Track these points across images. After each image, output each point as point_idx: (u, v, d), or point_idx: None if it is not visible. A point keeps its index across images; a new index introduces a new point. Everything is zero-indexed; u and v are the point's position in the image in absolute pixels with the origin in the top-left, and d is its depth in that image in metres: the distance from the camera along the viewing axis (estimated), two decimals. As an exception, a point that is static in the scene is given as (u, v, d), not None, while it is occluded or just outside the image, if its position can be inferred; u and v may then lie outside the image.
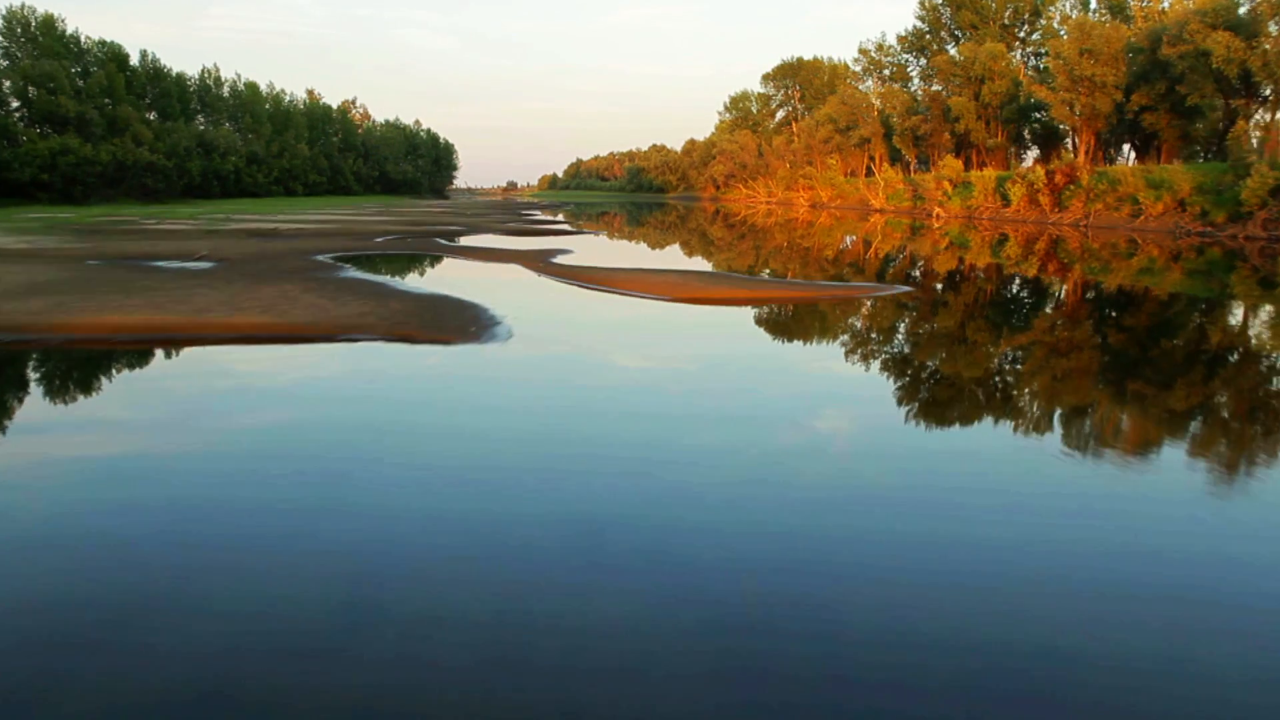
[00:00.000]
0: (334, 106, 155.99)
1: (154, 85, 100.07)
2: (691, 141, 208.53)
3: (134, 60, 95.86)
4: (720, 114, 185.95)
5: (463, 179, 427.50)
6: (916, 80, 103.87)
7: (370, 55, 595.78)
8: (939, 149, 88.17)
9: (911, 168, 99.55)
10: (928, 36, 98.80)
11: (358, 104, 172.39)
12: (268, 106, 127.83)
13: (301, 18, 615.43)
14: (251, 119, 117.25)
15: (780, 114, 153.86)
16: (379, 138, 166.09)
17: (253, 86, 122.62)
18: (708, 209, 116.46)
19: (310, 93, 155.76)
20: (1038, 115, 77.53)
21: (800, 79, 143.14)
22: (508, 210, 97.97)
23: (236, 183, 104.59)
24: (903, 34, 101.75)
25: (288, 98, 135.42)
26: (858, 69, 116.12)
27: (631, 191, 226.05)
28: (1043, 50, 79.13)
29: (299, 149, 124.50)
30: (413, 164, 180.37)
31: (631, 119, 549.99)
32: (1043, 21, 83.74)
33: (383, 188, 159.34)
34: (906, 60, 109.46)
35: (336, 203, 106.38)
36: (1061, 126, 74.14)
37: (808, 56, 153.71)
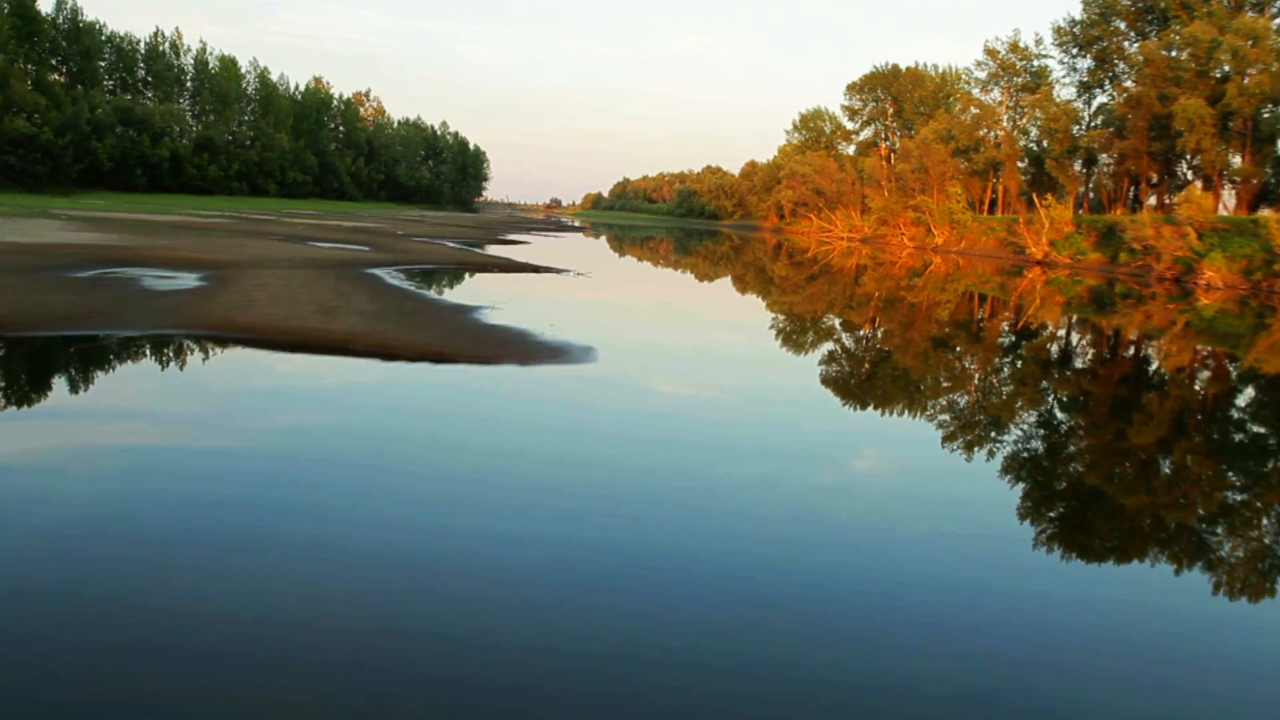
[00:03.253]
0: (346, 98, 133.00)
1: (72, 43, 76.81)
2: (752, 164, 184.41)
3: (44, 6, 72.83)
4: (788, 133, 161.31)
5: (503, 193, 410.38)
6: (1070, 87, 77.54)
7: (424, 67, 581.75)
8: (1121, 178, 61.91)
9: (1083, 203, 72.61)
10: (1095, 29, 72.46)
11: (371, 97, 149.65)
12: (250, 88, 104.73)
13: (362, 26, 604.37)
14: (211, 96, 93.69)
15: (867, 132, 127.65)
16: (390, 136, 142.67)
17: (228, 61, 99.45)
18: (768, 240, 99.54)
19: (317, 80, 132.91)
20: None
21: (896, 89, 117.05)
22: (502, 229, 73.07)
23: (175, 174, 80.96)
24: (1061, 25, 75.27)
25: (277, 80, 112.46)
26: (981, 74, 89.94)
27: (681, 216, 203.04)
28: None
29: (277, 139, 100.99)
30: (432, 170, 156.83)
31: (682, 142, 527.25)
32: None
33: (390, 194, 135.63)
34: (1048, 62, 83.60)
35: (295, 207, 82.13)
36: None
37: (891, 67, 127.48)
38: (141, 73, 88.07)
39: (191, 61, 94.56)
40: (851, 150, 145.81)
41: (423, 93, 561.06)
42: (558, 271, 31.13)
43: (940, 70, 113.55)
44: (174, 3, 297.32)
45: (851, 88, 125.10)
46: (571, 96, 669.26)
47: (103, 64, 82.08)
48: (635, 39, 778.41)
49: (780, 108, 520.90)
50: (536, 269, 31.24)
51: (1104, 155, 70.29)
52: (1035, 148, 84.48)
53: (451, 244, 37.44)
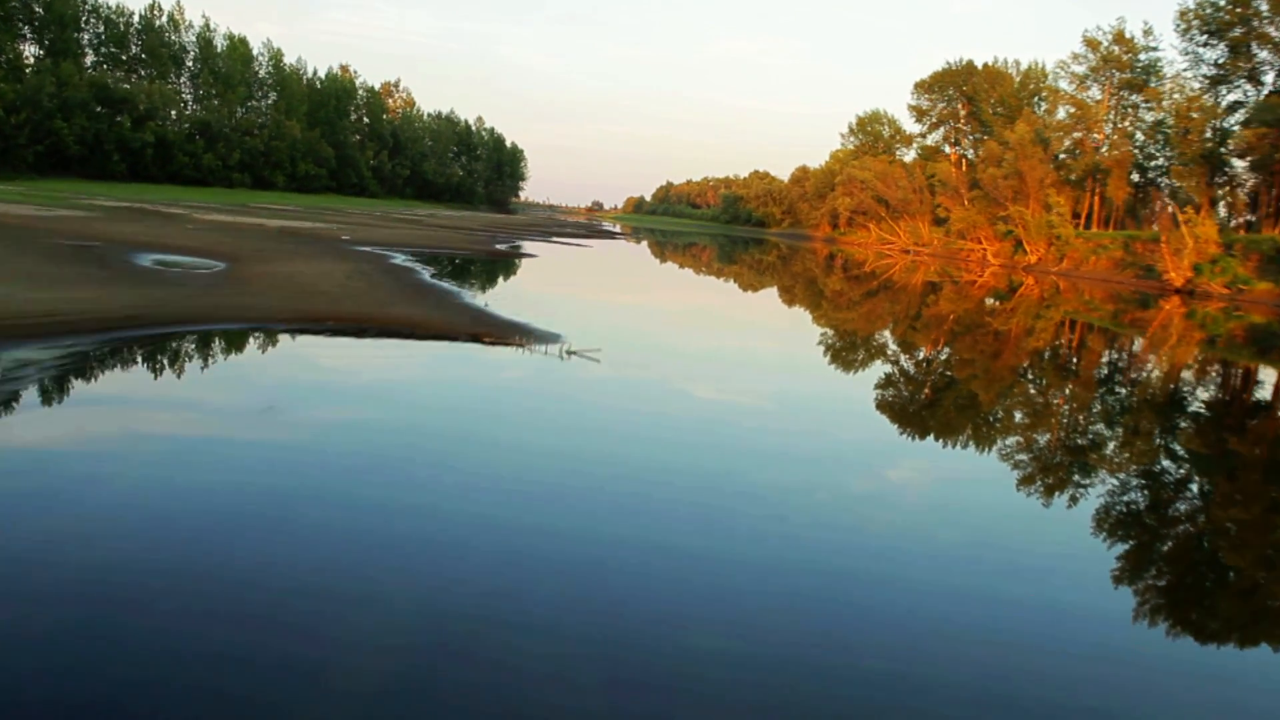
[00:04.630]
0: (371, 86, 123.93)
1: (46, 9, 68.03)
2: (803, 169, 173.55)
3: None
4: (843, 137, 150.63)
5: (544, 195, 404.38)
6: (1193, 82, 65.42)
7: (466, 68, 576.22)
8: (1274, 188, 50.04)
9: (1230, 216, 60.48)
10: (1231, 10, 60.49)
11: (400, 87, 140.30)
12: (262, 71, 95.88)
13: (407, 25, 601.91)
14: (211, 76, 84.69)
15: (935, 135, 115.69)
16: (419, 129, 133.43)
17: (237, 42, 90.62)
18: (819, 251, 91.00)
19: (344, 68, 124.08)
20: None
21: (970, 88, 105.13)
22: (519, 231, 62.83)
23: (161, 161, 71.94)
24: (1188, 7, 63.25)
25: (294, 64, 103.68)
26: (1079, 69, 78.07)
27: (726, 222, 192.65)
28: None
29: (287, 127, 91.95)
30: (464, 167, 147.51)
31: (726, 149, 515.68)
32: None
33: (416, 191, 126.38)
34: (1157, 56, 71.86)
35: (285, 201, 72.62)
36: None
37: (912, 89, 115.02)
38: (136, 49, 79.29)
39: (194, 39, 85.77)
40: (911, 156, 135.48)
41: (466, 93, 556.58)
42: (528, 343, 14.07)
43: (1023, 67, 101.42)
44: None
45: (920, 86, 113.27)
46: (615, 100, 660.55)
47: (85, 36, 73.27)
48: (680, 44, 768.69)
49: (825, 116, 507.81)
50: (478, 338, 13.92)
51: (1239, 161, 58.53)
52: (1138, 153, 72.75)
53: (401, 258, 27.18)
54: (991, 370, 19.15)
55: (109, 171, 65.47)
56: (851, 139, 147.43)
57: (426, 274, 23.30)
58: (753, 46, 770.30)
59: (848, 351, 21.01)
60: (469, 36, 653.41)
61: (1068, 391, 17.17)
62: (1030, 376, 18.85)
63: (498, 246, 41.52)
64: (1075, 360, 22.46)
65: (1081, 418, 14.62)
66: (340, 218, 50.70)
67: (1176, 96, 58.15)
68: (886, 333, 25.87)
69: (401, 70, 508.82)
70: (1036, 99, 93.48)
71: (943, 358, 21.22)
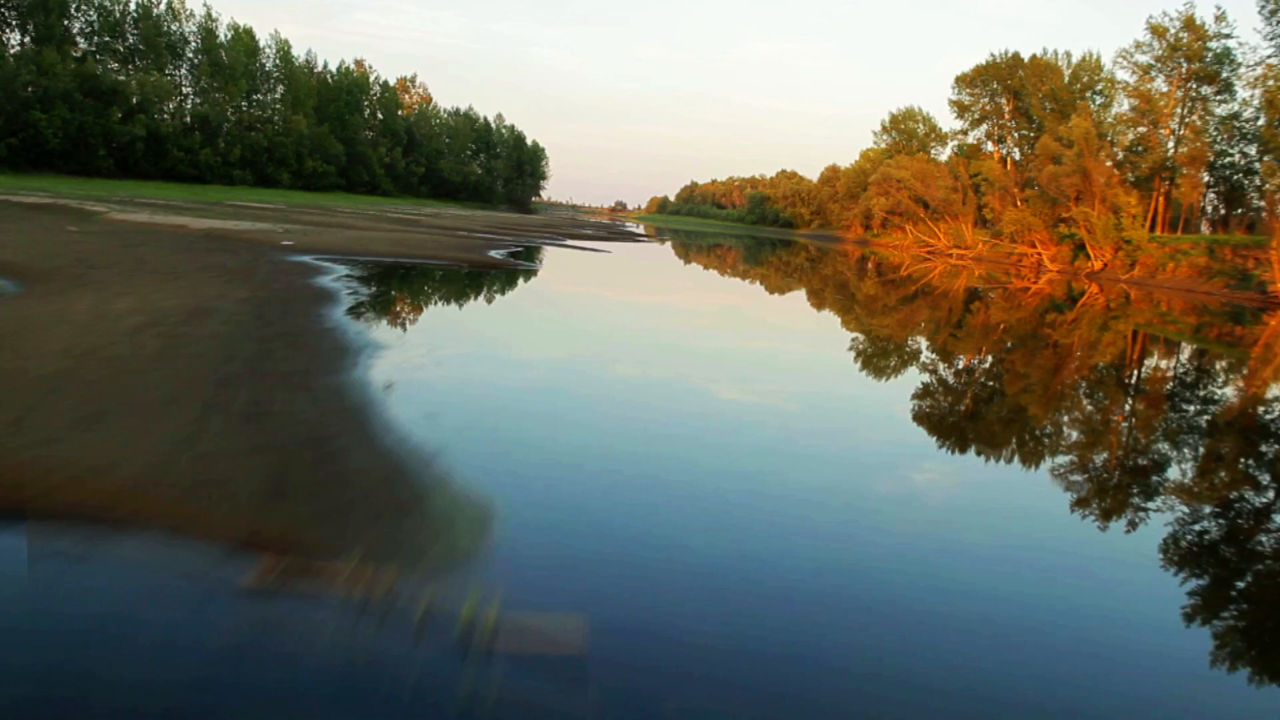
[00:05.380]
0: (384, 81, 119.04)
1: (30, -5, 63.52)
2: (833, 168, 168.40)
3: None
4: (875, 134, 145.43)
5: (566, 194, 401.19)
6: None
7: (495, 70, 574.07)
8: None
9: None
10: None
11: (417, 83, 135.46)
12: (269, 64, 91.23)
13: (437, 28, 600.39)
14: (213, 68, 79.97)
15: (977, 132, 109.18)
16: (435, 126, 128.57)
17: (243, 33, 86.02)
18: (851, 253, 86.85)
19: (358, 63, 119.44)
20: None
21: (1016, 82, 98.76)
22: (527, 233, 57.34)
23: (154, 157, 67.32)
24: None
25: (304, 58, 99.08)
26: (1143, 58, 71.66)
27: (752, 223, 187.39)
28: None
29: (293, 122, 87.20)
30: (483, 165, 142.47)
31: (752, 149, 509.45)
32: None
33: (431, 189, 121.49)
34: (1229, 44, 65.46)
35: (293, 200, 67.76)
36: None
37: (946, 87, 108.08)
38: (133, 39, 74.72)
39: (196, 29, 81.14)
40: (946, 154, 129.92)
41: (490, 94, 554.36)
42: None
43: (1074, 59, 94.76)
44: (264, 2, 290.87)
45: (961, 80, 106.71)
46: (640, 101, 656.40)
47: (76, 25, 68.79)
48: (706, 45, 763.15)
49: (851, 118, 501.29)
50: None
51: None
52: (1214, 150, 66.34)
53: (330, 278, 19.30)
54: (1051, 386, 16.86)
55: (94, 167, 60.88)
56: (884, 137, 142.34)
57: (335, 312, 14.95)
58: (779, 47, 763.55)
59: (888, 360, 19.02)
60: (494, 37, 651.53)
61: (1135, 409, 15.22)
62: (1093, 393, 16.75)
63: (491, 255, 33.28)
64: (1142, 376, 19.99)
65: (1151, 438, 13.03)
66: (321, 216, 45.55)
67: (1271, 83, 51.74)
68: (932, 341, 23.43)
69: (426, 71, 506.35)
70: (1091, 93, 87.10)
71: (993, 368, 19.23)
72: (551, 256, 40.83)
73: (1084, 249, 62.22)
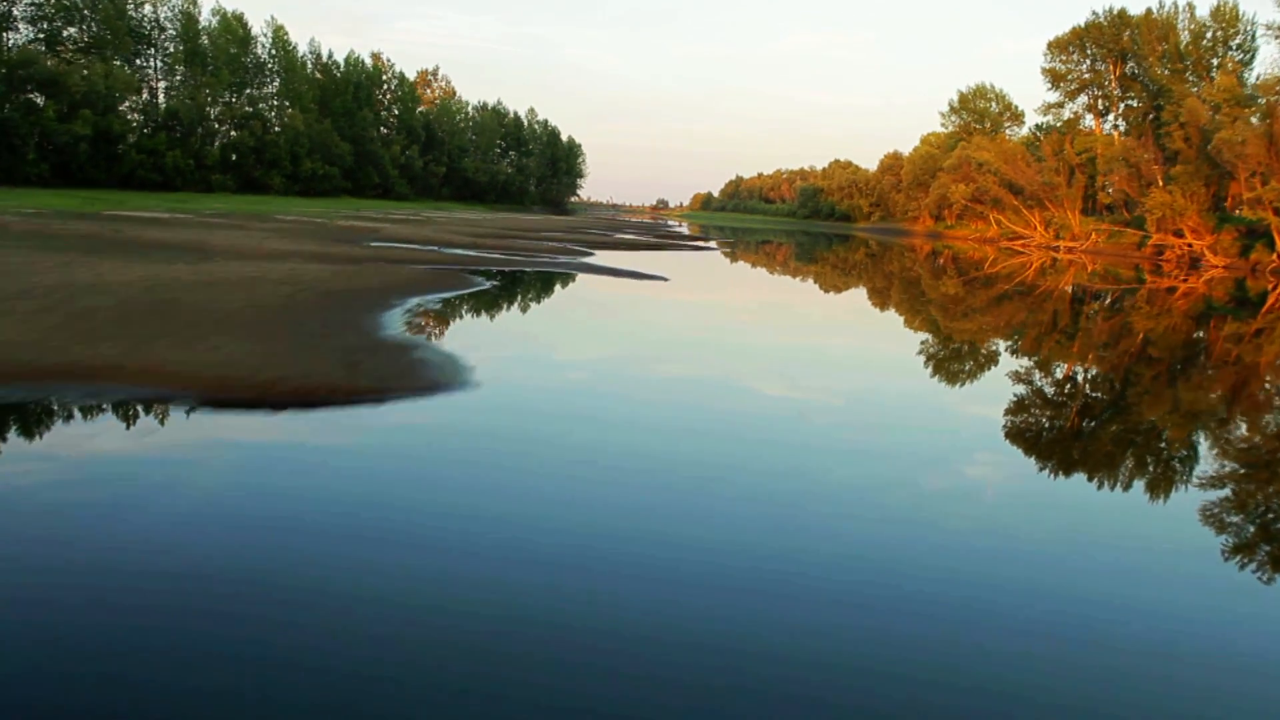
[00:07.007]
0: (400, 72, 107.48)
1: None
2: (894, 155, 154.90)
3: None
4: (943, 115, 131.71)
5: (606, 194, 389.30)
6: None
7: (534, 72, 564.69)
8: None
9: None
10: None
11: (439, 76, 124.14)
12: (266, 54, 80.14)
13: (474, 32, 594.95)
14: (189, 57, 68.76)
15: (1074, 105, 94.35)
16: (459, 122, 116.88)
17: (230, 19, 74.93)
18: (919, 248, 76.70)
19: (375, 56, 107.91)
20: None
21: (1126, 44, 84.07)
22: (529, 236, 44.50)
23: (103, 161, 56.31)
24: None
25: (305, 47, 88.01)
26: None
27: (805, 218, 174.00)
28: None
29: (290, 118, 75.95)
30: (514, 164, 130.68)
31: (797, 144, 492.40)
32: None
33: (453, 191, 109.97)
34: None
35: (294, 209, 56.03)
36: None
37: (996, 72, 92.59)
38: (94, 25, 63.84)
39: (173, 14, 70.08)
40: (1022, 134, 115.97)
41: (529, 96, 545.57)
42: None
43: (1199, 14, 79.62)
44: (289, 6, 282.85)
45: (1055, 46, 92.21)
46: (680, 98, 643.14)
47: (16, 8, 57.94)
48: (745, 39, 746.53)
49: (899, 107, 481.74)
50: None
51: None
52: None
53: None
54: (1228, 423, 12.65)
55: (19, 175, 49.83)
56: (953, 118, 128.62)
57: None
58: (821, 39, 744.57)
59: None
60: (532, 40, 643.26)
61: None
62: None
63: (454, 293, 18.58)
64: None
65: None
66: (256, 223, 33.46)
67: None
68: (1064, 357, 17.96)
69: (462, 77, 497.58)
70: (1227, 48, 72.27)
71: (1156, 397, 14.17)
72: (559, 303, 22.02)
73: (1262, 238, 48.18)
